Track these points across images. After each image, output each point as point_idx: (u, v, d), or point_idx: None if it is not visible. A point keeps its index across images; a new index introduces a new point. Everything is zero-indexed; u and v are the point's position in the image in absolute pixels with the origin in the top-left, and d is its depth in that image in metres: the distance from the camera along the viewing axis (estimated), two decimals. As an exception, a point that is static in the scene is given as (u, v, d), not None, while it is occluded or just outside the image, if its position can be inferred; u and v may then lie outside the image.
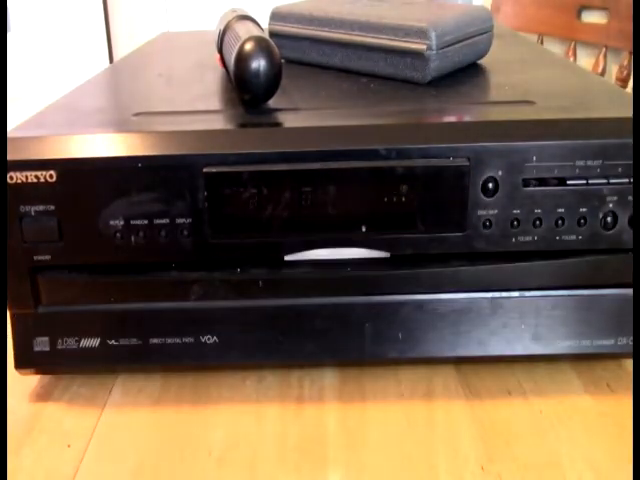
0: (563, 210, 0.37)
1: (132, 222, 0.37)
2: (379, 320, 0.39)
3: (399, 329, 0.39)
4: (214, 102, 0.44)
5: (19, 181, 0.36)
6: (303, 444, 0.36)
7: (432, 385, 0.41)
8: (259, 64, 0.38)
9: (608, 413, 0.38)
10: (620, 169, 0.37)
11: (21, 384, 0.41)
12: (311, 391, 0.40)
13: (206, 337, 0.40)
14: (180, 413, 0.39)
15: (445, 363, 0.42)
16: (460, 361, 0.42)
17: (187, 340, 0.40)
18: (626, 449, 0.36)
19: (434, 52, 0.45)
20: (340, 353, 0.40)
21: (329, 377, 0.41)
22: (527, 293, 0.39)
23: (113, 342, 0.39)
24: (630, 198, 0.37)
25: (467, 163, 0.36)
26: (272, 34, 0.53)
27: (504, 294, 0.39)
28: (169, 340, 0.39)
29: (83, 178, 0.36)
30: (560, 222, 0.37)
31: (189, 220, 0.37)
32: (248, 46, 0.39)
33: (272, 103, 0.41)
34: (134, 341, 0.39)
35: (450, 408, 0.39)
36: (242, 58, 0.39)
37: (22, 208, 0.36)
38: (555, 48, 1.30)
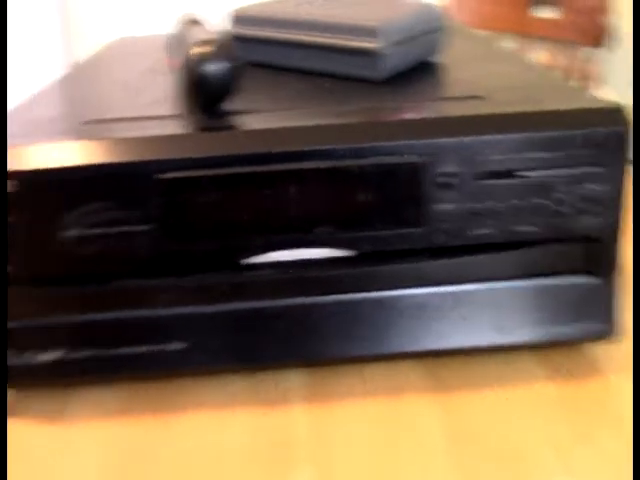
0: (518, 201, 0.38)
1: (90, 232, 0.36)
2: (344, 319, 0.39)
3: (365, 327, 0.40)
4: (170, 107, 0.44)
5: (-28, 194, 0.35)
6: (271, 448, 0.36)
7: (399, 381, 0.41)
8: (212, 67, 0.38)
9: (570, 399, 0.39)
10: (571, 159, 0.37)
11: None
12: (277, 394, 0.40)
13: (171, 345, 0.39)
14: (145, 423, 0.38)
15: (411, 358, 0.42)
16: (426, 355, 0.42)
17: (152, 349, 0.39)
18: (589, 432, 0.37)
19: (386, 50, 0.45)
20: (307, 354, 0.40)
21: (294, 379, 0.41)
22: (488, 284, 0.40)
23: (75, 355, 0.39)
24: (585, 186, 0.38)
25: (420, 159, 0.36)
26: (229, 37, 0.53)
27: (465, 287, 0.40)
28: (133, 350, 0.39)
29: (40, 189, 0.36)
30: (516, 213, 0.38)
31: (149, 227, 0.37)
32: (201, 49, 0.39)
33: (228, 106, 0.41)
34: (98, 352, 0.39)
35: (417, 402, 0.39)
36: (195, 61, 0.38)
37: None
38: (510, 44, 1.32)
